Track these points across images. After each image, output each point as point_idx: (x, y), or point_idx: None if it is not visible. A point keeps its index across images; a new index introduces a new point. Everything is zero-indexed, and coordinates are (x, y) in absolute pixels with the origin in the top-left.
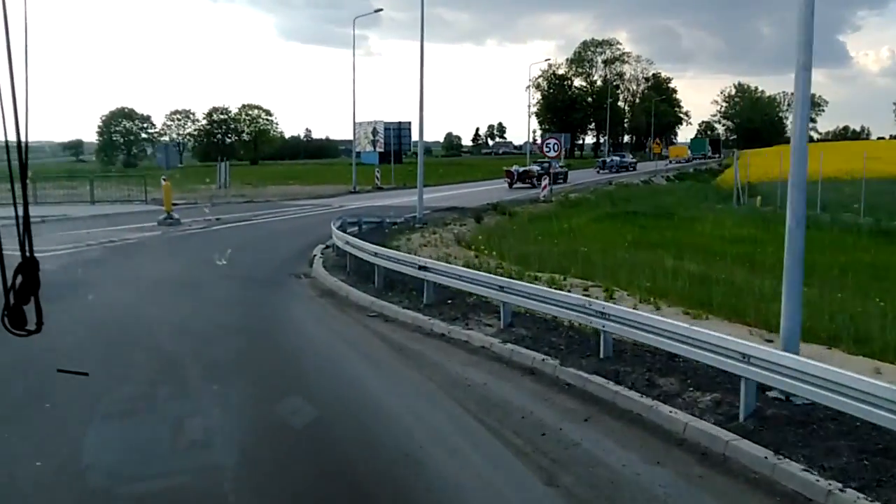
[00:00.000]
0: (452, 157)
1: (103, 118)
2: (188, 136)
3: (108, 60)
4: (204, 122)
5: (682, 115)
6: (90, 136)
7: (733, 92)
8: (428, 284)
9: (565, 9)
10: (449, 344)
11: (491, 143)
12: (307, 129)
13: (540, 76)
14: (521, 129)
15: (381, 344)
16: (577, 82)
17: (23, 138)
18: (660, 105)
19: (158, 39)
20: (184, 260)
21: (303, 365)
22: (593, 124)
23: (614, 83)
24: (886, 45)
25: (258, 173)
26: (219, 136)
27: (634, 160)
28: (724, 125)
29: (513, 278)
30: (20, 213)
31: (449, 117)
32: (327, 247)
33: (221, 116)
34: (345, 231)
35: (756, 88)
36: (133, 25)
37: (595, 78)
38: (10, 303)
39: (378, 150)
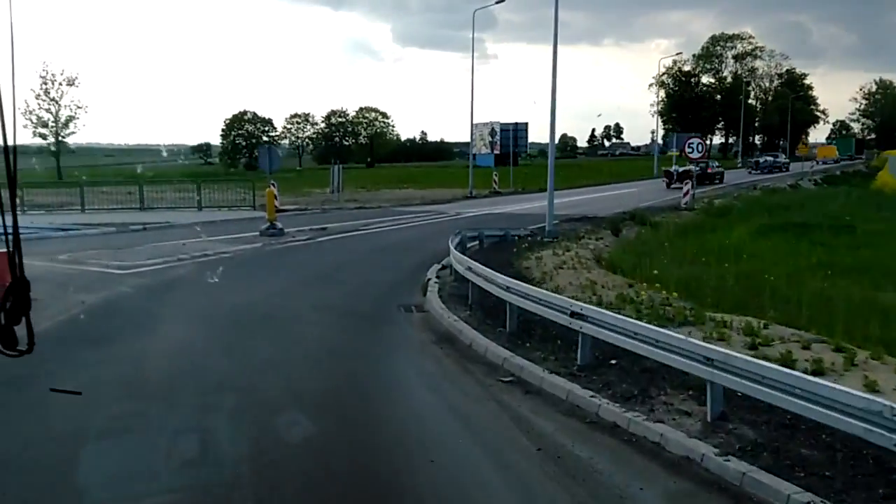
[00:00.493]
0: (568, 159)
1: (226, 121)
2: (307, 139)
3: (234, 65)
4: (322, 125)
5: (818, 114)
6: (218, 139)
7: (874, 89)
8: (584, 338)
9: (686, 6)
10: (630, 448)
11: (607, 144)
12: (422, 132)
13: (664, 73)
14: (639, 129)
15: (525, 442)
16: (705, 79)
17: (10, 144)
18: (795, 103)
19: (281, 45)
20: (277, 282)
21: (408, 484)
22: (721, 123)
23: (745, 80)
24: None
25: (373, 176)
26: (336, 138)
27: (787, 161)
28: (863, 124)
29: (696, 323)
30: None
31: (563, 118)
32: (444, 267)
33: (339, 119)
34: (465, 248)
35: None
36: (258, 31)
37: (724, 74)
38: (2, 323)
39: (494, 151)
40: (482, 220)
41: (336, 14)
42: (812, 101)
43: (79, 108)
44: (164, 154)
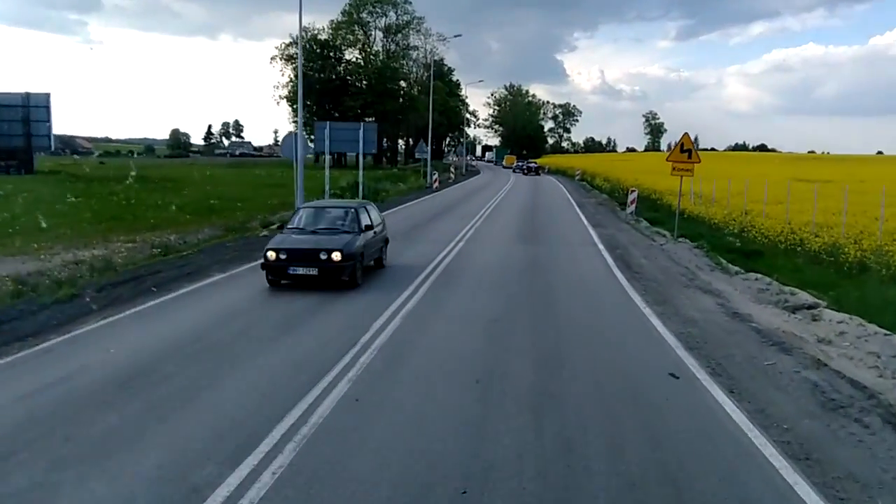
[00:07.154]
0: (180, 158)
1: None
2: None
3: None
4: None
5: (468, 116)
6: None
7: (504, 94)
8: None
9: (304, 10)
10: None
11: (226, 142)
12: None
13: (291, 43)
14: (261, 128)
15: None
16: (350, 55)
17: None
18: (449, 100)
19: None
20: None
21: None
22: (373, 116)
23: (398, 60)
24: (596, 65)
25: None
26: None
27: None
28: (497, 131)
29: None
30: None
31: (175, 112)
32: None
33: None
34: None
35: (527, 92)
36: None
37: (376, 50)
38: None
39: None
40: None
41: None
42: (462, 100)
43: None
44: None
